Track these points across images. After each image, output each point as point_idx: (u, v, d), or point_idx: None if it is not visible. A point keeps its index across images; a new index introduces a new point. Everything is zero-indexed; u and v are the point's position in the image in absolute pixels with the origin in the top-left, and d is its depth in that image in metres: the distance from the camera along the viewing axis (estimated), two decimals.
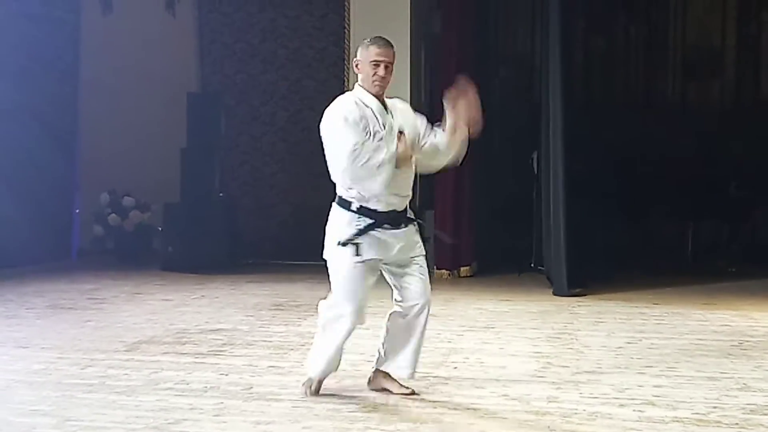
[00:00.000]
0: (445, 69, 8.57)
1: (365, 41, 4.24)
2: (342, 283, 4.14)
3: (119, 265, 9.55)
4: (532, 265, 9.10)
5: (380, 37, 4.22)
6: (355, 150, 3.98)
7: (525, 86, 10.74)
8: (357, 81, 4.27)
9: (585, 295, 7.53)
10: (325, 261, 4.24)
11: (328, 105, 4.21)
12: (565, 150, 7.64)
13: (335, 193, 4.22)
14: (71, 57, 10.19)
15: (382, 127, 4.11)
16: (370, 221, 4.08)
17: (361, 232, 4.08)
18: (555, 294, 7.60)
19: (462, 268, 8.92)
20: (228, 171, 10.23)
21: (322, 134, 4.17)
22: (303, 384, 4.36)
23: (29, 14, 9.31)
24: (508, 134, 10.55)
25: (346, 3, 9.39)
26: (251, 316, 6.56)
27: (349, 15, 9.35)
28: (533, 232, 9.17)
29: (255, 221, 10.28)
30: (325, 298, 4.28)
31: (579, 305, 7.10)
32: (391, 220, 4.13)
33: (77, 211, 10.36)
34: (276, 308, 6.92)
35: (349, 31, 9.32)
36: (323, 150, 4.17)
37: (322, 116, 4.18)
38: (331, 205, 4.23)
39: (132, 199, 9.91)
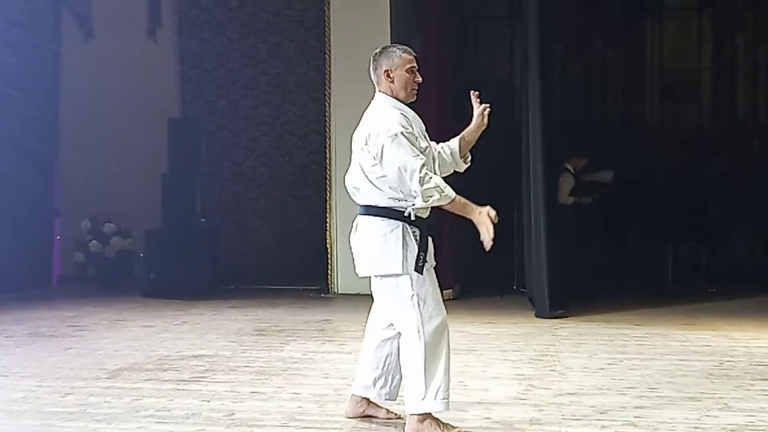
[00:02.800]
0: (425, 91, 8.59)
1: (390, 49, 4.07)
2: (426, 291, 4.03)
3: (100, 291, 9.49)
4: (514, 287, 9.14)
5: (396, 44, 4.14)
6: (423, 174, 3.77)
7: (505, 109, 10.82)
8: (381, 89, 4.03)
9: (567, 317, 7.55)
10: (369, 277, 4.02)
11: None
12: (545, 172, 7.70)
13: (366, 206, 3.96)
14: (52, 83, 10.19)
15: (426, 139, 4.02)
16: (417, 229, 3.94)
17: (422, 242, 3.94)
18: (537, 316, 7.62)
19: (444, 291, 8.88)
20: (209, 196, 10.23)
21: (376, 147, 3.83)
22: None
23: (9, 41, 9.31)
24: (487, 156, 10.59)
25: (326, 28, 9.42)
26: (233, 341, 6.53)
27: (329, 40, 9.37)
28: (515, 254, 9.21)
29: (237, 246, 10.28)
30: (408, 325, 4.02)
31: (561, 327, 7.12)
32: (429, 226, 4.05)
33: (58, 237, 10.31)
34: (258, 333, 6.90)
35: (329, 56, 9.35)
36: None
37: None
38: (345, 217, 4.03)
39: (113, 225, 9.87)
